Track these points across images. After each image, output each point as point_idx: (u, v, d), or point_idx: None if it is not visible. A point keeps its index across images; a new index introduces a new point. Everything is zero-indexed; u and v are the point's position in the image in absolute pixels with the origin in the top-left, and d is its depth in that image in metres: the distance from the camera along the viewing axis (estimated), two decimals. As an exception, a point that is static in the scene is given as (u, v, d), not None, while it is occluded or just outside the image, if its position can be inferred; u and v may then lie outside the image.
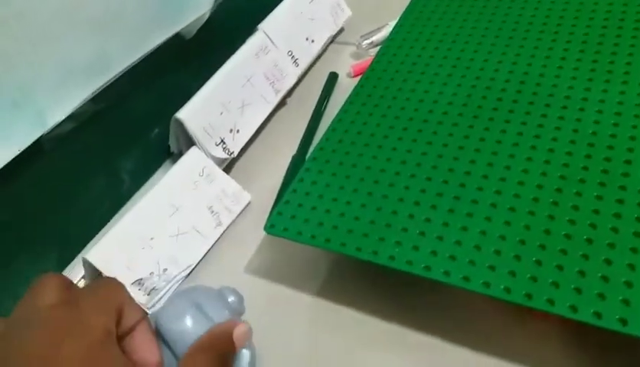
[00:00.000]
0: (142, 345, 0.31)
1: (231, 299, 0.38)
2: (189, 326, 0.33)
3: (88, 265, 0.45)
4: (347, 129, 0.50)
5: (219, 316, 0.35)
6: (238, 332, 0.33)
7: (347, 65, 0.67)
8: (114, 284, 0.32)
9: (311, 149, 0.57)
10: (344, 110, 0.52)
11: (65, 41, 0.45)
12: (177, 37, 0.55)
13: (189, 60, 0.59)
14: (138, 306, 0.32)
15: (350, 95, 0.54)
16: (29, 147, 0.43)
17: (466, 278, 0.36)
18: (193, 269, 0.50)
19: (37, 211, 0.47)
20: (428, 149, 0.46)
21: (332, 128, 0.51)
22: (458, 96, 0.50)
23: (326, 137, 0.50)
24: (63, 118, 0.46)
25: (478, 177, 0.42)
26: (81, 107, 0.47)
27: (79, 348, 0.27)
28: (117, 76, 0.50)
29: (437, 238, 0.39)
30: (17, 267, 0.46)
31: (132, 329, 0.31)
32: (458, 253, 0.37)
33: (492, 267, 0.36)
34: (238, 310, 0.38)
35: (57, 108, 0.46)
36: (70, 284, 0.30)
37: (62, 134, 0.47)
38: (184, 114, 0.53)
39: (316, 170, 0.47)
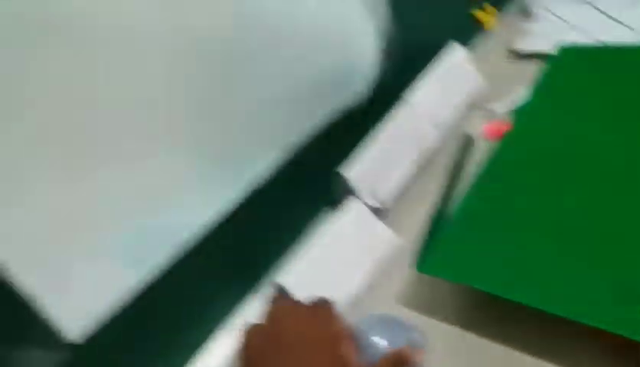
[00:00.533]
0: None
1: (413, 333, 0.46)
2: (380, 340, 0.43)
3: (276, 286, 0.56)
4: (488, 184, 0.58)
5: (402, 340, 0.44)
6: (414, 354, 0.42)
7: (481, 127, 0.75)
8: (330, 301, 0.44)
9: (452, 201, 0.65)
10: (484, 167, 0.60)
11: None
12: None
13: (348, 125, 0.69)
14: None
15: (489, 155, 0.62)
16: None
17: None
18: (353, 299, 0.59)
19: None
20: (569, 203, 0.52)
21: (475, 183, 0.59)
22: (595, 161, 0.56)
23: (469, 191, 0.58)
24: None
25: (614, 233, 0.48)
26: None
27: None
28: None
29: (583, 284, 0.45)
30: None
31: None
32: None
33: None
34: (418, 343, 0.46)
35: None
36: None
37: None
38: (347, 169, 0.63)
39: (461, 219, 0.55)
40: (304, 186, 0.66)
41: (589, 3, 0.88)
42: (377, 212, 0.66)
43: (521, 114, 0.67)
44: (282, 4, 0.57)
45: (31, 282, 0.44)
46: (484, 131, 0.74)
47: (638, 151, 0.55)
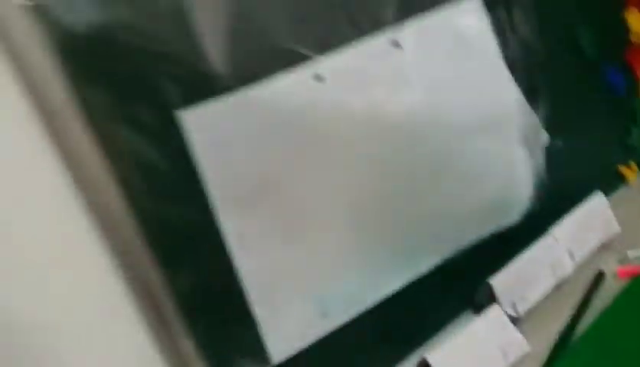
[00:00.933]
0: None
1: None
2: None
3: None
4: (611, 322, 0.68)
5: None
6: None
7: (612, 267, 0.86)
8: None
9: (578, 327, 0.76)
10: (612, 306, 0.71)
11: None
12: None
13: (499, 243, 0.83)
14: None
15: (618, 293, 0.72)
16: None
17: None
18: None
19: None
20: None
21: (599, 318, 0.69)
22: None
23: (594, 324, 0.69)
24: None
25: None
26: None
27: None
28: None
29: None
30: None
31: None
32: None
33: None
34: None
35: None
36: None
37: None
38: (495, 280, 0.77)
39: (581, 350, 0.65)
40: (455, 286, 0.80)
41: None
42: (513, 320, 0.78)
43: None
44: (461, 143, 0.75)
45: (262, 305, 0.61)
46: (617, 272, 0.85)
47: None
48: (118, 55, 0.52)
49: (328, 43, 0.63)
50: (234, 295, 0.59)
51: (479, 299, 0.80)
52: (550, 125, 0.83)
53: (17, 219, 0.48)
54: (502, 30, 0.76)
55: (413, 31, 0.67)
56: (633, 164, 1.00)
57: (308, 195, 0.62)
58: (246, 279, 0.59)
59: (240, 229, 0.58)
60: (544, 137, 0.83)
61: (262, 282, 0.60)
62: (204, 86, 0.56)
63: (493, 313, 0.76)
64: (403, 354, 0.74)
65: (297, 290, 0.63)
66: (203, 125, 0.55)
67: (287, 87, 0.59)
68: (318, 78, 0.61)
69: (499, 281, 0.78)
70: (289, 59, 0.61)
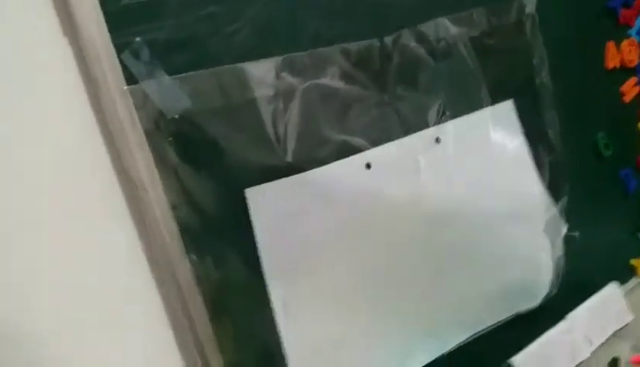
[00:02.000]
0: None
1: None
2: None
3: None
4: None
5: None
6: None
7: (626, 354, 0.88)
8: None
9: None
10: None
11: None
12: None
13: (520, 325, 0.86)
14: None
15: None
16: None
17: None
18: None
19: None
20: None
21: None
22: None
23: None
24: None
25: None
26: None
27: None
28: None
29: None
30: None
31: None
32: None
33: None
34: None
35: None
36: None
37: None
38: (517, 360, 0.79)
39: None
40: (477, 365, 0.82)
41: None
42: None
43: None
44: (490, 231, 0.79)
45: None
46: (630, 359, 0.86)
47: None
48: (198, 137, 0.57)
49: (380, 137, 0.68)
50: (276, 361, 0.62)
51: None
52: (569, 218, 0.87)
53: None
54: (531, 131, 0.81)
55: (452, 129, 0.73)
56: (643, 258, 1.03)
57: (350, 271, 0.66)
58: (287, 345, 0.62)
59: (284, 297, 0.61)
60: (564, 228, 0.87)
61: (302, 350, 0.62)
62: (270, 170, 0.61)
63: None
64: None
65: (332, 362, 0.65)
66: (263, 201, 0.60)
67: (338, 172, 0.64)
68: (368, 166, 0.66)
69: (520, 361, 0.80)
70: (346, 149, 0.66)
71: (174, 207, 0.57)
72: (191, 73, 0.57)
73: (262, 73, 0.60)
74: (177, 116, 0.56)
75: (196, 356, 0.59)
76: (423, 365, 0.75)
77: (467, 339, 0.78)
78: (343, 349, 0.67)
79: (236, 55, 0.59)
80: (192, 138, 0.58)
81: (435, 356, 0.75)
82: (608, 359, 0.85)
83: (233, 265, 0.60)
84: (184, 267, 0.57)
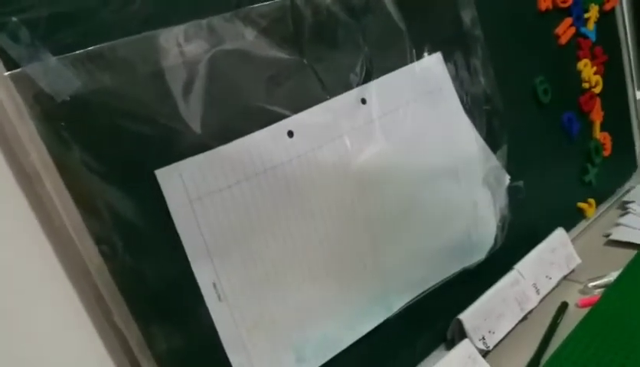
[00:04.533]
0: None
1: None
2: None
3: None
4: (575, 349, 0.68)
5: None
6: None
7: (574, 298, 0.85)
8: None
9: (544, 356, 0.75)
10: (574, 332, 0.70)
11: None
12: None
13: (468, 281, 0.82)
14: None
15: (579, 322, 0.72)
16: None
17: None
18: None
19: None
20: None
21: (563, 345, 0.69)
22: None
23: (557, 352, 0.68)
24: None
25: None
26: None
27: None
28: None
29: None
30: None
31: None
32: None
33: None
34: None
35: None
36: None
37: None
38: (465, 316, 0.76)
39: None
40: (426, 323, 0.79)
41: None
42: (483, 354, 0.77)
43: (609, 293, 0.77)
44: (426, 189, 0.74)
45: (238, 355, 0.59)
46: (578, 302, 0.84)
47: None
48: (96, 119, 0.51)
49: (300, 103, 0.62)
50: (211, 345, 0.57)
51: (450, 334, 0.79)
52: (512, 168, 0.83)
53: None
54: (463, 82, 0.76)
55: (378, 88, 0.67)
56: (591, 200, 1.00)
57: (282, 245, 0.61)
58: (221, 329, 0.57)
59: (213, 280, 0.56)
60: (506, 178, 0.82)
61: (236, 330, 0.58)
62: (181, 146, 0.54)
63: (463, 347, 0.74)
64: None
65: (272, 338, 0.61)
66: (177, 181, 0.54)
67: (258, 143, 0.58)
68: (290, 134, 0.61)
69: (468, 317, 0.76)
70: (264, 118, 0.60)
71: (77, 198, 0.50)
72: (80, 51, 0.50)
73: (163, 44, 0.53)
74: (68, 98, 0.49)
75: (121, 354, 0.54)
76: (371, 329, 0.70)
77: (414, 299, 0.74)
78: (282, 325, 0.62)
79: (132, 27, 0.52)
80: (89, 121, 0.51)
81: (383, 319, 0.71)
82: (558, 304, 0.82)
83: (151, 253, 0.54)
84: (95, 261, 0.51)
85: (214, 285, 0.57)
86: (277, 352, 0.62)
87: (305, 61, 0.62)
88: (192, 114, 0.55)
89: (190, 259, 0.55)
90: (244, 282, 0.59)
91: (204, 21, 0.56)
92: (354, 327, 0.68)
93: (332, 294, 0.65)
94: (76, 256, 0.51)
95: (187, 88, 0.55)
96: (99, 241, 0.51)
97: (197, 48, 0.55)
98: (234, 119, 0.57)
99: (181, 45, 0.54)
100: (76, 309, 0.52)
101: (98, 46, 0.50)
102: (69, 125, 0.49)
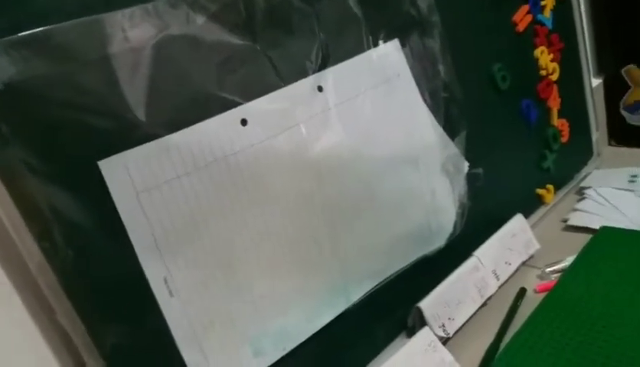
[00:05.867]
0: None
1: None
2: None
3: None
4: (532, 333, 0.68)
5: None
6: None
7: (533, 283, 0.85)
8: None
9: (503, 341, 0.74)
10: (530, 318, 0.70)
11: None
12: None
13: (428, 268, 0.81)
14: None
15: (536, 307, 0.71)
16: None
17: None
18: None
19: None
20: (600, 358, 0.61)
21: (520, 330, 0.69)
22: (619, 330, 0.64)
23: (516, 336, 0.68)
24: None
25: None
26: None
27: None
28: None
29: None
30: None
31: None
32: None
33: None
34: None
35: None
36: None
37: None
38: (424, 304, 0.75)
39: (505, 362, 0.64)
40: (387, 312, 0.77)
41: (633, 192, 0.98)
42: (443, 341, 0.76)
43: (564, 278, 0.77)
44: (384, 177, 0.72)
45: (191, 351, 0.57)
46: (536, 287, 0.83)
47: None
48: (33, 108, 0.47)
49: (254, 90, 0.59)
50: (163, 343, 0.54)
51: (411, 322, 0.77)
52: (471, 155, 0.82)
53: None
54: (421, 69, 0.74)
55: (334, 75, 0.65)
56: (549, 186, 1.00)
57: (237, 237, 0.59)
58: (173, 326, 0.54)
59: (164, 275, 0.53)
60: (465, 166, 0.81)
61: (190, 327, 0.55)
62: (127, 136, 0.51)
63: (423, 335, 0.73)
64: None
65: (227, 333, 0.58)
66: (122, 172, 0.51)
67: (209, 131, 0.55)
68: (243, 122, 0.58)
69: (428, 304, 0.75)
70: (216, 106, 0.57)
71: (14, 192, 0.47)
72: (12, 36, 0.46)
73: (106, 29, 0.50)
74: (2, 87, 0.46)
75: (66, 355, 0.50)
76: (331, 320, 0.68)
77: (373, 288, 0.72)
78: (238, 319, 0.59)
79: (72, 11, 0.48)
80: (26, 110, 0.47)
81: (343, 310, 0.69)
82: (516, 290, 0.81)
83: (97, 248, 0.51)
84: (36, 258, 0.48)
85: (165, 280, 0.54)
86: (234, 346, 0.59)
87: (258, 47, 0.59)
88: (138, 102, 0.52)
89: (138, 254, 0.52)
90: (197, 276, 0.56)
91: (149, 5, 0.52)
92: (313, 319, 0.66)
93: (290, 286, 0.63)
94: (15, 253, 0.47)
95: (133, 75, 0.51)
96: (39, 237, 0.47)
97: (142, 33, 0.52)
98: (183, 107, 0.54)
99: (125, 30, 0.51)
100: (17, 308, 0.49)
101: (35, 30, 0.47)
102: (3, 115, 0.45)
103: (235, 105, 0.58)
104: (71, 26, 0.48)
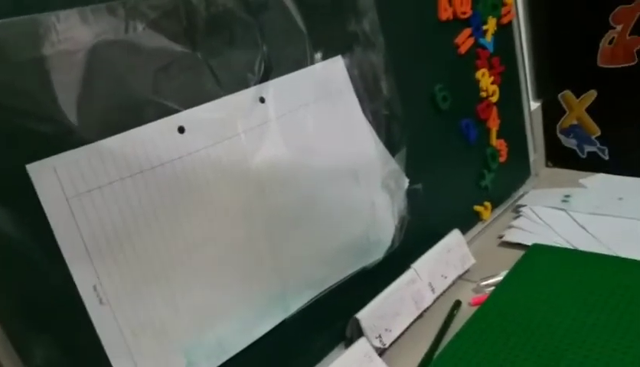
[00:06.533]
0: None
1: None
2: None
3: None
4: (464, 344, 0.69)
5: None
6: None
7: (468, 296, 0.86)
8: None
9: (437, 352, 0.75)
10: (462, 329, 0.72)
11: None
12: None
13: (365, 281, 0.82)
14: None
15: (469, 319, 0.73)
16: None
17: None
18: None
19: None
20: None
21: (452, 342, 0.70)
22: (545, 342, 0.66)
23: (448, 346, 0.69)
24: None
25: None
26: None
27: None
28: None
29: None
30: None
31: None
32: None
33: None
34: None
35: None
36: None
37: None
38: (362, 315, 0.75)
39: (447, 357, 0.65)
40: (325, 323, 0.77)
41: (565, 211, 1.02)
42: (380, 352, 0.76)
43: (497, 291, 0.79)
44: (325, 191, 0.72)
45: (122, 361, 0.55)
46: (471, 300, 0.85)
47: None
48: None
49: (193, 98, 0.59)
50: (93, 354, 0.53)
51: (349, 333, 0.78)
52: (411, 171, 0.83)
53: None
54: (364, 87, 0.75)
55: (276, 88, 0.65)
56: (487, 204, 1.03)
57: (171, 245, 0.57)
58: (103, 334, 0.52)
59: (94, 283, 0.52)
60: (405, 181, 0.83)
61: (120, 335, 0.54)
62: (58, 140, 0.50)
63: (360, 346, 0.73)
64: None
65: (160, 342, 0.57)
66: (51, 177, 0.49)
67: (144, 138, 0.54)
68: (181, 129, 0.57)
69: (365, 316, 0.76)
70: (152, 112, 0.56)
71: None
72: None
73: (39, 30, 0.48)
74: None
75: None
76: (269, 330, 0.68)
77: (312, 299, 0.72)
78: (172, 329, 0.58)
79: (4, 10, 0.47)
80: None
81: (281, 320, 0.68)
82: (452, 303, 0.83)
83: (23, 255, 0.49)
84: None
85: (95, 288, 0.52)
86: (166, 357, 0.58)
87: (198, 55, 0.59)
88: (71, 106, 0.50)
89: (67, 260, 0.51)
90: (129, 284, 0.55)
91: (87, 9, 0.51)
92: (250, 329, 0.66)
93: (227, 296, 0.63)
94: None
95: (66, 78, 0.50)
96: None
97: (77, 37, 0.51)
98: (118, 112, 0.53)
99: (59, 32, 0.49)
100: None
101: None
102: None
103: (173, 112, 0.57)
104: (2, 25, 0.46)
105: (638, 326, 0.66)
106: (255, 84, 0.63)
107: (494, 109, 1.02)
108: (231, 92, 0.62)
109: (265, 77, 0.64)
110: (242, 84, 0.63)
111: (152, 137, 0.55)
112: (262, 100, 0.64)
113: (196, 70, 0.59)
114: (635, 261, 0.78)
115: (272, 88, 0.65)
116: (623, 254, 0.82)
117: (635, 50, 1.00)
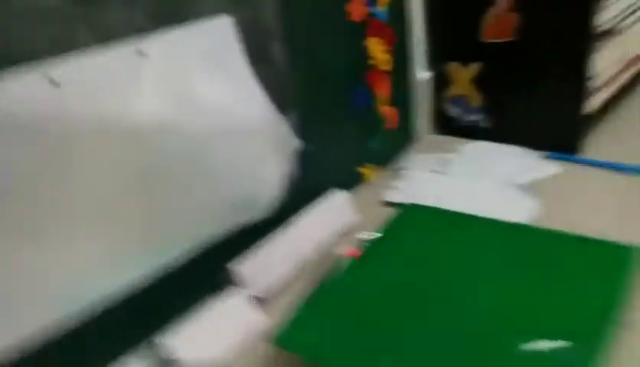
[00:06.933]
0: None
1: None
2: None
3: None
4: (336, 285, 0.74)
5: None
6: None
7: (347, 251, 0.93)
8: None
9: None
10: (335, 280, 0.77)
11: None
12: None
13: (249, 233, 0.85)
14: None
15: (342, 271, 0.79)
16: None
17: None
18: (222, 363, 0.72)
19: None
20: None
21: (326, 285, 0.75)
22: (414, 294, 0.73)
23: (320, 289, 0.74)
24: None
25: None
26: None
27: None
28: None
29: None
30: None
31: None
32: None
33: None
34: None
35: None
36: None
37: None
38: (240, 266, 0.79)
39: (317, 305, 0.70)
40: (206, 274, 0.80)
41: (442, 174, 1.10)
42: (259, 300, 0.81)
43: (370, 246, 0.85)
44: (209, 148, 0.74)
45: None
46: (348, 253, 0.91)
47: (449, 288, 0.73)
48: None
49: (69, 51, 0.58)
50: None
51: (229, 283, 0.81)
52: (300, 133, 0.87)
53: None
54: (254, 48, 0.77)
55: (160, 42, 0.65)
56: (372, 166, 1.09)
57: (47, 200, 0.58)
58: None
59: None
60: (295, 143, 0.86)
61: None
62: None
63: (240, 296, 0.77)
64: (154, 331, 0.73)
65: (33, 291, 0.58)
66: None
67: (15, 91, 0.53)
68: (54, 83, 0.57)
69: (246, 267, 0.79)
70: (22, 65, 0.55)
71: None
72: None
73: None
74: None
75: None
76: (147, 275, 0.70)
77: (193, 250, 0.74)
78: (43, 278, 0.59)
79: None
80: None
81: (162, 268, 0.70)
82: (332, 257, 0.88)
83: None
84: None
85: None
86: (43, 303, 0.59)
87: (75, 9, 0.58)
88: None
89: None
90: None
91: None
92: (125, 277, 0.67)
93: (103, 246, 0.64)
94: None
95: None
96: None
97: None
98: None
99: None
100: None
101: None
102: None
103: (45, 64, 0.56)
104: None
105: (494, 275, 0.74)
106: (136, 37, 0.63)
107: (385, 77, 1.07)
108: (111, 45, 0.61)
109: (147, 31, 0.64)
110: (123, 37, 0.62)
111: (22, 90, 0.54)
112: (142, 54, 0.64)
113: (72, 21, 0.58)
114: (495, 220, 0.87)
115: (156, 43, 0.65)
116: (494, 216, 0.90)
117: (513, 27, 1.08)
